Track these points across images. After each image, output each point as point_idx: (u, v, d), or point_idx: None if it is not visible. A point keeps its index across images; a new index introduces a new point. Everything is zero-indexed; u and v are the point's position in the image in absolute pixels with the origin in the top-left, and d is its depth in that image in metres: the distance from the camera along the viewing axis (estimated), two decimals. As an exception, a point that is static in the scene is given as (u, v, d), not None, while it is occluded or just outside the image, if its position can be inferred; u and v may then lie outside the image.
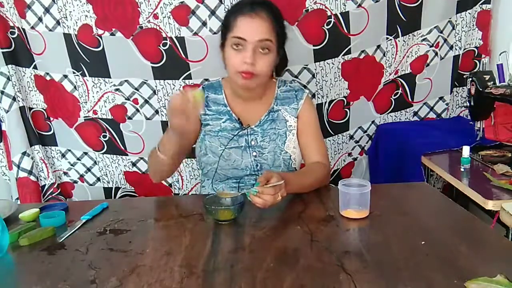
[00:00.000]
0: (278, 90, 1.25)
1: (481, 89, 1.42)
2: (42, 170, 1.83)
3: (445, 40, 1.83)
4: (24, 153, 1.77)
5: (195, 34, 1.63)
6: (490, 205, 1.07)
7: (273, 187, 0.94)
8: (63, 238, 0.92)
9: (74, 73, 1.72)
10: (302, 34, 1.69)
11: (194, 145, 1.27)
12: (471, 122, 1.57)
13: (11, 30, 1.69)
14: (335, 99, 1.82)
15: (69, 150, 1.87)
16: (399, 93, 1.90)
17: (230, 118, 1.22)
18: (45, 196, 1.85)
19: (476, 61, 1.88)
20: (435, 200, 1.08)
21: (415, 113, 1.94)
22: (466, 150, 1.32)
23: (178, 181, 1.87)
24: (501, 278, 0.67)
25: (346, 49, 1.74)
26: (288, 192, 1.01)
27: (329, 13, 1.67)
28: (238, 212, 0.97)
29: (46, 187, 1.85)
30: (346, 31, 1.71)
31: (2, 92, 1.70)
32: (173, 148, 1.08)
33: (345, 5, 1.67)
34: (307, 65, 1.74)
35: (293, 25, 1.67)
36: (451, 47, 1.85)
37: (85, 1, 1.60)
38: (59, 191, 1.88)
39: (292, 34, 1.66)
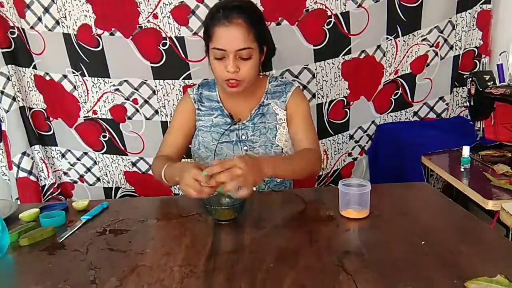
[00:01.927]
0: (269, 85, 1.26)
1: (481, 89, 1.42)
2: (42, 170, 1.83)
3: (445, 40, 1.83)
4: (24, 153, 1.77)
5: (195, 34, 1.63)
6: (490, 205, 1.07)
7: (220, 164, 0.92)
8: (63, 238, 0.92)
9: (73, 73, 1.72)
10: (302, 34, 1.69)
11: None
12: (471, 122, 1.57)
13: (11, 30, 1.69)
14: (335, 99, 1.82)
15: (69, 150, 1.87)
16: (399, 93, 1.90)
17: (222, 113, 1.23)
18: (45, 196, 1.85)
19: (476, 61, 1.88)
20: (435, 200, 1.08)
21: (415, 113, 1.94)
22: (466, 150, 1.32)
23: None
24: (501, 278, 0.67)
25: (346, 49, 1.74)
26: (276, 174, 1.02)
27: (329, 13, 1.68)
28: (238, 212, 0.97)
29: (46, 187, 1.85)
30: (346, 31, 1.71)
31: (2, 92, 1.70)
32: (176, 183, 1.09)
33: (345, 5, 1.67)
34: (307, 65, 1.74)
35: (293, 25, 1.67)
36: (451, 47, 1.85)
37: (84, 1, 1.60)
38: (59, 191, 1.88)
39: (292, 34, 1.68)
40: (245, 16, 1.07)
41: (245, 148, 1.21)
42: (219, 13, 1.09)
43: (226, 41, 1.07)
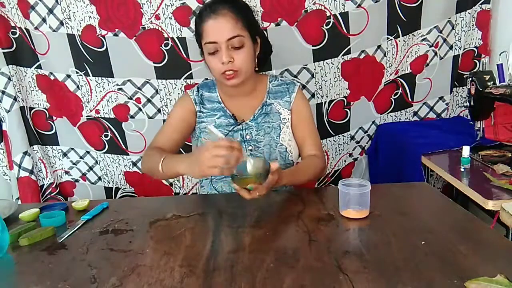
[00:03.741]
0: (270, 84, 1.26)
1: (481, 89, 1.42)
2: (41, 170, 1.84)
3: (445, 40, 1.83)
4: (25, 153, 1.77)
5: (196, 34, 1.64)
6: (490, 205, 1.07)
7: (265, 187, 0.98)
8: (63, 238, 0.92)
9: (77, 72, 1.73)
10: (301, 34, 1.69)
11: (186, 141, 1.29)
12: (471, 122, 1.57)
13: (12, 30, 1.69)
14: (335, 99, 1.83)
15: (72, 149, 1.88)
16: (399, 93, 1.90)
17: (225, 114, 1.23)
18: (44, 196, 1.85)
19: (476, 61, 1.88)
20: (435, 200, 1.08)
21: (415, 113, 1.94)
22: (466, 150, 1.32)
23: (179, 180, 1.87)
24: (501, 278, 0.67)
25: (346, 49, 1.74)
26: (283, 184, 1.08)
27: (328, 14, 1.68)
28: (264, 179, 0.97)
29: (45, 187, 1.86)
30: (345, 31, 1.71)
31: (3, 92, 1.71)
32: (174, 175, 1.11)
33: (344, 6, 1.68)
34: (306, 65, 1.74)
35: (293, 26, 1.68)
36: (450, 47, 1.85)
37: (88, 2, 1.61)
38: (57, 190, 1.89)
39: (291, 35, 1.68)
40: (230, 5, 1.10)
41: (250, 148, 1.21)
42: (205, 10, 1.12)
43: (216, 33, 1.09)
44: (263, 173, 0.97)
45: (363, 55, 1.77)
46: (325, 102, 1.82)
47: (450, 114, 1.96)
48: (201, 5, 1.61)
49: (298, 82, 1.75)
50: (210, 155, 0.91)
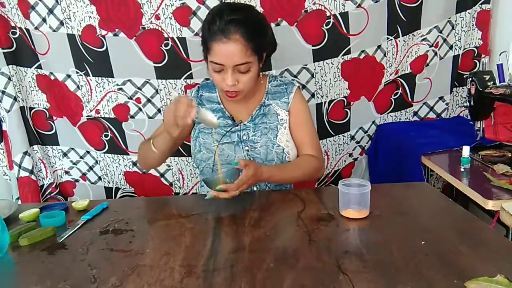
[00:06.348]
0: (269, 85, 1.26)
1: (481, 89, 1.42)
2: (41, 170, 1.84)
3: (445, 40, 1.83)
4: (25, 153, 1.77)
5: (196, 34, 1.64)
6: (490, 205, 1.07)
7: (236, 184, 1.02)
8: (63, 238, 0.92)
9: (77, 72, 1.73)
10: (301, 34, 1.69)
11: (185, 141, 1.31)
12: (471, 122, 1.57)
13: (12, 30, 1.69)
14: (335, 99, 1.83)
15: (72, 149, 1.88)
16: (399, 93, 1.90)
17: (223, 115, 1.24)
18: (44, 196, 1.85)
19: (476, 61, 1.88)
20: (435, 200, 1.08)
21: (415, 113, 1.94)
22: (466, 150, 1.32)
23: (179, 179, 1.87)
24: (501, 278, 0.67)
25: (346, 49, 1.74)
26: (270, 181, 1.14)
27: (328, 14, 1.68)
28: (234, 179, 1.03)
29: (45, 187, 1.86)
30: (345, 31, 1.71)
31: (3, 92, 1.71)
32: (166, 145, 1.14)
33: (344, 6, 1.68)
34: (306, 65, 1.74)
35: (293, 26, 1.68)
36: (450, 47, 1.85)
37: (88, 2, 1.61)
38: (57, 190, 1.89)
39: (291, 35, 1.68)
40: (242, 30, 1.05)
41: (247, 148, 1.21)
42: (215, 24, 1.06)
43: (224, 57, 1.07)
44: (227, 173, 1.02)
45: (363, 55, 1.77)
46: (325, 102, 1.82)
47: (450, 114, 1.96)
48: (201, 5, 1.61)
49: (298, 82, 1.75)
50: (166, 109, 1.02)
